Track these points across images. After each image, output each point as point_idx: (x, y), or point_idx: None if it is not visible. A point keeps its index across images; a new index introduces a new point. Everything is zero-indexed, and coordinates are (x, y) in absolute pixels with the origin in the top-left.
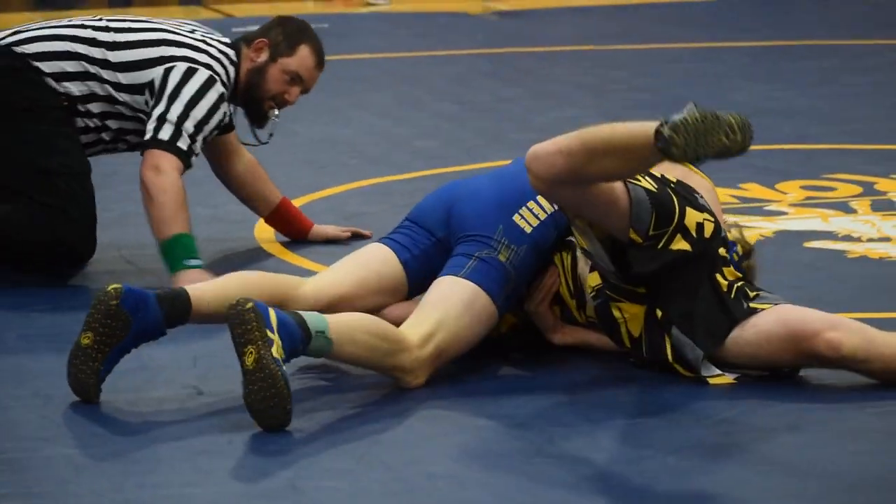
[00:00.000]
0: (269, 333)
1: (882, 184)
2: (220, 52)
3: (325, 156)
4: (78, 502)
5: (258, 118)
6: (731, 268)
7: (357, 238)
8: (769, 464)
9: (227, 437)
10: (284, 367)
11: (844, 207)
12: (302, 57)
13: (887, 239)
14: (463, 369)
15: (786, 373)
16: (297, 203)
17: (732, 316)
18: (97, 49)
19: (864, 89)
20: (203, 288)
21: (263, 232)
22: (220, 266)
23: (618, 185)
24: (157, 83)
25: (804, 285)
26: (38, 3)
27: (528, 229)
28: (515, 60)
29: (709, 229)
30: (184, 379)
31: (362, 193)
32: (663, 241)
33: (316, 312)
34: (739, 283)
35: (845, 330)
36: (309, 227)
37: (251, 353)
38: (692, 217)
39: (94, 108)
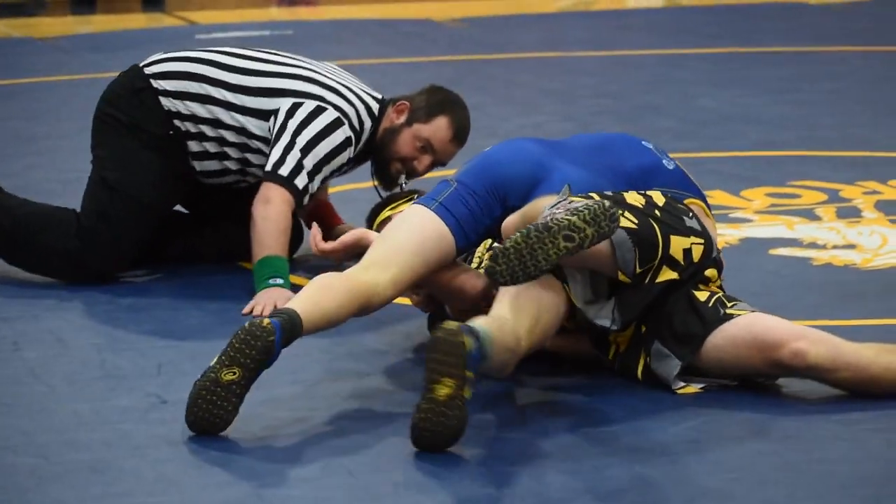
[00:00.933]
0: (468, 373)
1: (847, 191)
2: (359, 98)
3: None
4: None
5: (382, 178)
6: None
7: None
8: (736, 471)
9: (191, 446)
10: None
11: (809, 215)
12: (437, 127)
13: (852, 246)
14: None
15: (759, 382)
16: None
17: (706, 322)
18: (227, 73)
19: (828, 96)
20: (306, 308)
21: None
22: (200, 277)
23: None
24: (281, 114)
25: (769, 293)
26: (2, 10)
27: None
28: (481, 67)
29: (697, 252)
30: (147, 387)
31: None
32: (650, 275)
33: (491, 333)
34: (719, 294)
35: (811, 340)
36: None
37: (447, 386)
38: (677, 245)
39: (210, 131)
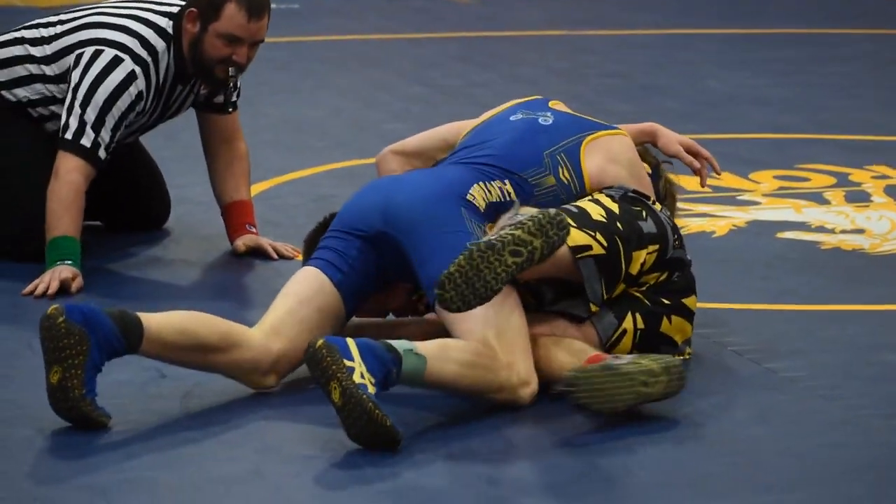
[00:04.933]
0: (348, 362)
1: (856, 175)
2: (145, 23)
3: (292, 137)
4: (39, 482)
5: (215, 84)
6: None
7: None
8: (736, 456)
9: (190, 423)
10: (372, 390)
11: (818, 198)
12: (229, 17)
13: (861, 230)
14: (418, 407)
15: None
16: (264, 185)
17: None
18: (39, 47)
19: (838, 79)
20: (152, 315)
21: None
22: (194, 248)
23: (567, 262)
24: (70, 70)
25: (776, 276)
26: None
27: (483, 207)
28: (487, 45)
29: (650, 260)
30: (146, 362)
31: (331, 176)
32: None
33: (402, 340)
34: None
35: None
36: (233, 238)
37: (335, 388)
38: (637, 260)
39: (44, 109)
